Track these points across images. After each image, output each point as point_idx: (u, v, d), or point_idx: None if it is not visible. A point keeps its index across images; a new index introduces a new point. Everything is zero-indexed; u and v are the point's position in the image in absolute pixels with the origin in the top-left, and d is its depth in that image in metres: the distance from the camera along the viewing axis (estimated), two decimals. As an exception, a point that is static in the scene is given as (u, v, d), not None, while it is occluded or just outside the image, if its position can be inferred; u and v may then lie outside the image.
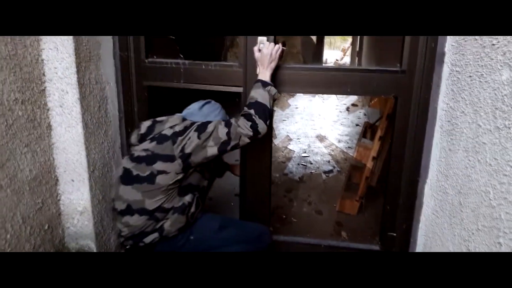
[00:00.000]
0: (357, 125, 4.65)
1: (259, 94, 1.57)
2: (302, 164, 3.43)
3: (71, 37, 1.56)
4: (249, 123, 1.50)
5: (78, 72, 1.62)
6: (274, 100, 1.63)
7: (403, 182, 1.82)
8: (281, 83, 1.76)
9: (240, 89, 1.81)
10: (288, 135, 4.24)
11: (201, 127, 1.53)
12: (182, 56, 1.89)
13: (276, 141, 3.98)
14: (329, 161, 3.51)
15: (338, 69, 1.77)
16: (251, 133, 1.50)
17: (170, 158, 1.50)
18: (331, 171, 3.28)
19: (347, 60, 11.57)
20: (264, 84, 1.59)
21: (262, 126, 1.52)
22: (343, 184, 2.81)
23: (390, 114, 2.34)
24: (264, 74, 1.63)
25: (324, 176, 3.19)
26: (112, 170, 1.93)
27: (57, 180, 1.71)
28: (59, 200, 1.73)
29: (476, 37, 1.29)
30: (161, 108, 2.32)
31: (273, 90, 1.60)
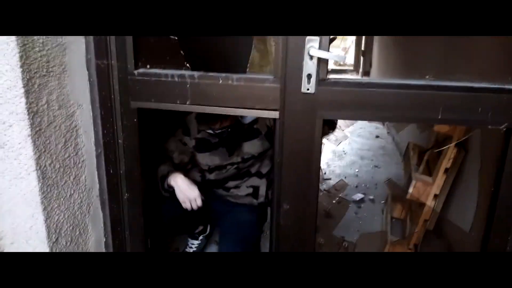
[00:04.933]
0: (377, 136, 4.08)
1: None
2: (324, 190, 2.85)
3: (13, 39, 0.97)
4: None
5: (27, 93, 1.03)
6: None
7: None
8: (336, 106, 1.19)
9: (276, 114, 1.23)
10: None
11: None
12: (188, 65, 1.30)
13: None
14: (356, 186, 2.94)
15: (424, 86, 1.18)
16: None
17: None
18: (362, 200, 2.70)
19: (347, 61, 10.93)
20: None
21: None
22: (385, 223, 2.26)
23: (462, 140, 1.78)
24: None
25: (355, 207, 2.62)
26: (88, 231, 1.34)
27: None
28: None
29: None
30: (158, 138, 1.74)
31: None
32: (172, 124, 1.81)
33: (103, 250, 1.45)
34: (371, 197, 2.74)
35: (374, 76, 5.57)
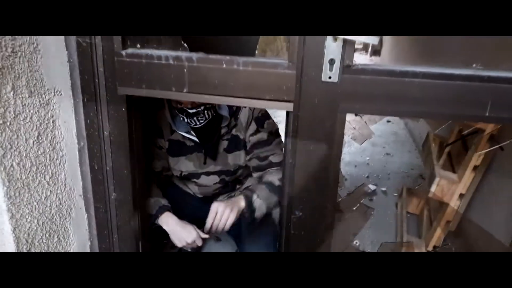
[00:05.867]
0: (388, 121, 3.87)
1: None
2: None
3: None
4: None
5: (-15, 78, 0.83)
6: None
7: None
8: (363, 98, 0.99)
9: (289, 106, 1.04)
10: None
11: None
12: (186, 45, 1.10)
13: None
14: (368, 176, 2.75)
15: (471, 77, 0.97)
16: None
17: None
18: (374, 192, 2.52)
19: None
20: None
21: None
22: (400, 219, 2.08)
23: (495, 135, 1.58)
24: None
25: (367, 200, 2.44)
26: (69, 236, 1.16)
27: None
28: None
29: None
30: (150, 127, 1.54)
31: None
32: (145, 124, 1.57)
33: (89, 255, 1.28)
34: (384, 188, 2.56)
35: (386, 57, 5.30)
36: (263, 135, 1.49)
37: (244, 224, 1.60)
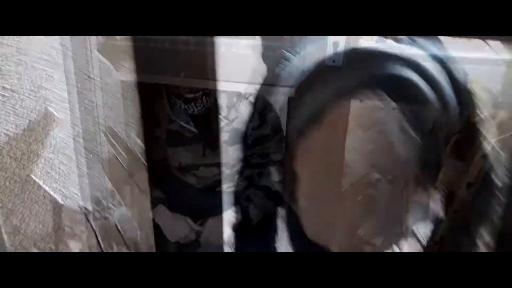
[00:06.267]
0: (394, 108, 3.80)
1: None
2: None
3: None
4: None
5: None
6: None
7: None
8: (369, 83, 0.94)
9: (290, 92, 1.00)
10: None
11: None
12: (183, 28, 1.05)
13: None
14: (372, 165, 2.70)
15: (482, 61, 0.92)
16: None
17: None
18: (379, 180, 2.47)
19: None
20: None
21: None
22: (406, 210, 2.03)
23: (506, 122, 1.53)
24: None
25: (371, 189, 2.39)
26: (64, 226, 1.13)
27: None
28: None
29: None
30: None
31: None
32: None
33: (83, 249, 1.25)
34: (389, 177, 2.51)
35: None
36: (265, 130, 1.44)
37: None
